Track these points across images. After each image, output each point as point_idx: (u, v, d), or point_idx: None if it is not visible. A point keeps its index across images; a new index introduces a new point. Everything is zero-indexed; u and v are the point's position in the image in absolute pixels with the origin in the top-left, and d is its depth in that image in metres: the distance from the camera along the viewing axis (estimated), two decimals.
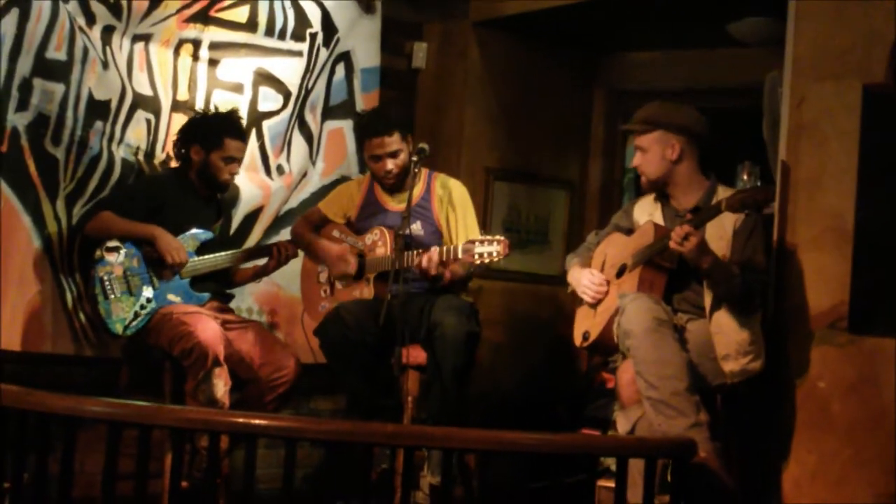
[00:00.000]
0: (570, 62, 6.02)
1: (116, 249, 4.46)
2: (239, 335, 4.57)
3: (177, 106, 4.95)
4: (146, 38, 4.85)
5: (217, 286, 4.70)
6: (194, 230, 4.59)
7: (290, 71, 5.26)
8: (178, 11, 4.91)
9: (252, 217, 5.18)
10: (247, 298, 5.12)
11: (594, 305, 4.17)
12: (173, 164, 4.75)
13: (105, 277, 4.42)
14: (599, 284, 4.14)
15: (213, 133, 4.60)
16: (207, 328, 4.34)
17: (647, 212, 4.17)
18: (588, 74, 6.12)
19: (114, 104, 4.76)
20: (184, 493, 4.10)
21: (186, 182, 4.65)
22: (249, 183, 5.15)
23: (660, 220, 4.08)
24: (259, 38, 5.15)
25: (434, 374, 4.31)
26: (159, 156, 4.89)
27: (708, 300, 3.88)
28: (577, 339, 4.22)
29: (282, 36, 5.21)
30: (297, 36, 5.26)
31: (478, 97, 5.75)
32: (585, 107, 6.14)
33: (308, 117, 5.36)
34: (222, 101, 4.93)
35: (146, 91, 4.88)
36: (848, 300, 3.80)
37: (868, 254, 3.81)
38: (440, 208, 4.61)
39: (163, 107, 4.92)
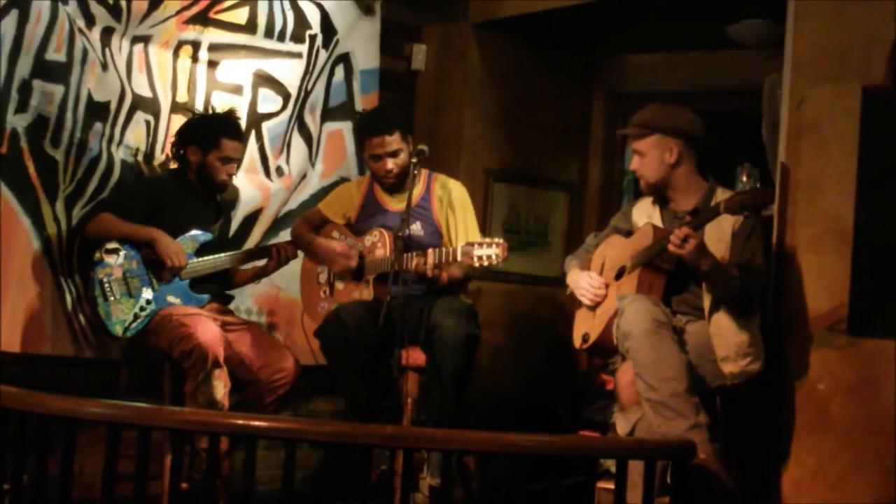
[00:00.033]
0: (569, 64, 6.02)
1: (116, 251, 4.46)
2: (239, 337, 4.57)
3: (176, 107, 4.95)
4: (146, 39, 4.86)
5: (217, 287, 4.70)
6: (194, 232, 4.59)
7: (289, 72, 5.26)
8: (178, 13, 4.91)
9: (251, 218, 5.18)
10: (246, 300, 5.12)
11: (593, 307, 4.17)
12: (173, 165, 4.75)
13: (104, 279, 4.42)
14: (598, 287, 4.14)
15: (210, 134, 4.60)
16: (207, 330, 4.34)
17: (645, 214, 4.17)
18: (587, 76, 6.13)
19: (113, 106, 4.76)
20: (183, 494, 4.10)
21: (185, 183, 4.65)
22: (249, 184, 5.15)
23: (658, 221, 4.08)
24: (258, 40, 5.15)
25: (433, 375, 4.31)
26: (159, 157, 4.89)
27: (707, 302, 3.88)
28: (577, 341, 4.22)
29: (281, 37, 5.21)
30: (297, 37, 5.26)
31: (477, 99, 5.75)
32: (585, 108, 6.14)
33: (307, 119, 5.37)
34: (222, 103, 4.93)
35: (146, 92, 4.88)
36: (847, 302, 3.80)
37: (867, 256, 3.81)
38: (440, 209, 4.61)
39: (162, 108, 4.92)
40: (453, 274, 4.51)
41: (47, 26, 4.51)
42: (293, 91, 5.27)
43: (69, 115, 4.61)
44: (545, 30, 5.68)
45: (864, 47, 3.87)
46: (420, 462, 4.80)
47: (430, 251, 4.32)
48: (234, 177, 4.74)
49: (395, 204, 4.61)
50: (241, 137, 4.73)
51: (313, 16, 5.32)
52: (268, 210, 5.22)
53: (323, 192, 5.25)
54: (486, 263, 4.19)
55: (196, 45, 5.00)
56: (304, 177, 5.36)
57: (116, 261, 4.45)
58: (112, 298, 4.42)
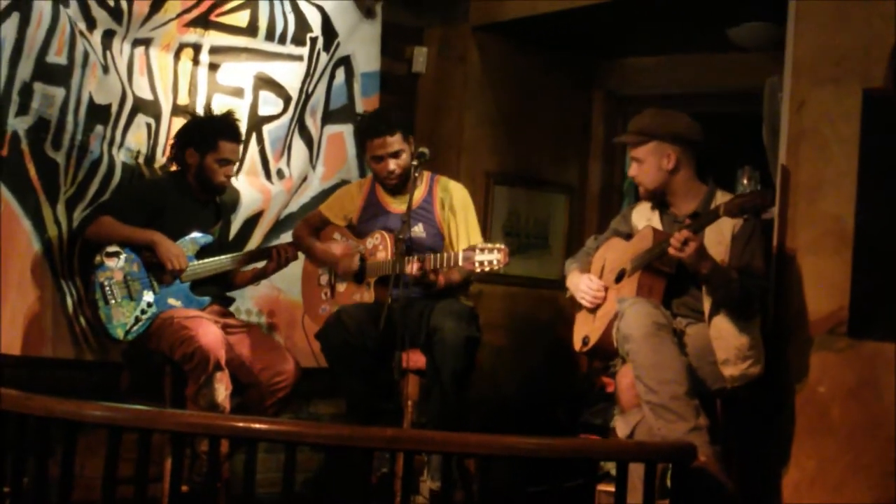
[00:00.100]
0: (569, 66, 6.03)
1: (116, 254, 4.46)
2: (239, 339, 4.57)
3: (177, 110, 4.95)
4: (146, 42, 4.86)
5: (217, 290, 4.71)
6: (194, 234, 4.59)
7: (290, 75, 5.26)
8: (179, 16, 4.91)
9: (252, 221, 5.18)
10: (247, 302, 5.12)
11: (593, 310, 4.17)
12: (173, 168, 4.75)
13: (105, 282, 4.42)
14: (597, 290, 4.14)
15: (208, 135, 4.61)
16: (209, 332, 4.34)
17: (645, 217, 4.17)
18: (587, 79, 6.13)
19: (114, 108, 4.76)
20: (184, 497, 4.10)
21: (184, 186, 4.65)
22: (250, 187, 5.16)
23: (658, 224, 4.08)
24: (259, 43, 5.16)
25: (433, 378, 4.31)
26: (160, 160, 4.90)
27: (707, 305, 3.88)
28: (577, 344, 4.22)
29: (282, 40, 5.21)
30: (298, 40, 5.26)
31: (478, 101, 5.76)
32: (585, 111, 6.14)
33: (308, 121, 5.37)
34: (223, 106, 4.93)
35: (146, 95, 4.88)
36: (848, 305, 3.80)
37: (868, 258, 3.81)
38: (442, 211, 4.61)
39: (163, 111, 4.92)
40: (452, 278, 4.51)
41: (48, 29, 4.52)
42: (294, 94, 5.27)
43: (70, 117, 4.62)
44: (545, 32, 5.68)
45: (865, 49, 3.87)
46: (420, 465, 4.80)
47: (427, 256, 4.32)
48: (232, 178, 4.74)
49: (397, 206, 4.61)
50: (239, 139, 4.73)
51: (314, 18, 5.32)
52: (268, 213, 5.23)
53: (324, 195, 5.25)
54: (487, 269, 4.19)
55: (197, 48, 5.00)
56: (304, 179, 5.36)
57: (117, 264, 4.45)
58: (113, 302, 4.42)
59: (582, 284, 4.20)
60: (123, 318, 4.42)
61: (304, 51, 5.28)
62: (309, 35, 5.30)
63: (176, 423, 3.28)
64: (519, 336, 5.80)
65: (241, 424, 3.26)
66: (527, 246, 5.90)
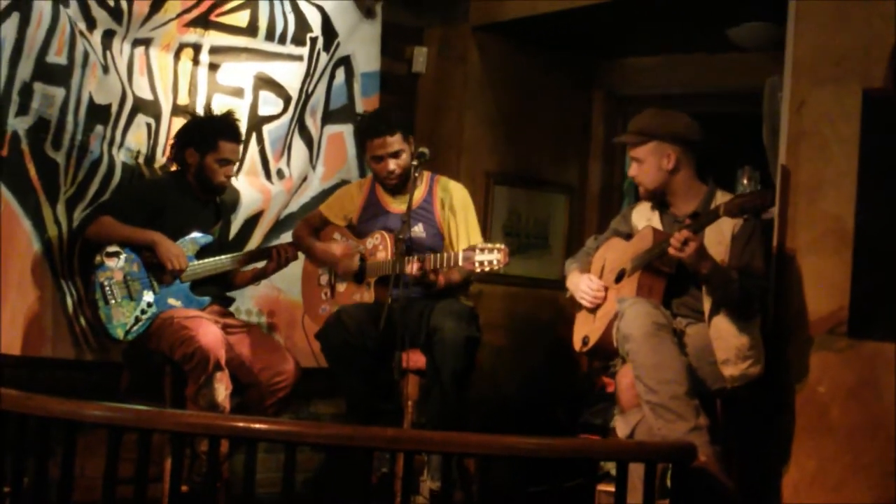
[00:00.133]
0: (569, 66, 6.03)
1: (116, 255, 4.46)
2: (240, 339, 4.57)
3: (177, 110, 4.95)
4: (146, 42, 4.86)
5: (217, 290, 4.71)
6: (194, 234, 4.60)
7: (290, 75, 5.26)
8: (179, 16, 4.91)
9: (252, 221, 5.18)
10: (247, 302, 5.12)
11: (593, 310, 4.17)
12: (173, 168, 4.75)
13: (105, 283, 4.42)
14: (597, 290, 4.14)
15: (208, 135, 4.61)
16: (209, 332, 4.34)
17: (645, 217, 4.17)
18: (587, 78, 6.13)
19: (114, 108, 4.76)
20: (184, 497, 4.10)
21: (184, 186, 4.65)
22: (250, 187, 5.16)
23: (658, 224, 4.08)
24: (259, 43, 5.16)
25: (433, 378, 4.31)
26: (160, 160, 4.90)
27: (707, 305, 3.88)
28: (577, 344, 4.22)
29: (282, 40, 5.21)
30: (298, 40, 5.26)
31: (478, 101, 5.76)
32: (585, 111, 6.14)
33: (308, 121, 5.37)
34: (223, 106, 4.93)
35: (146, 95, 4.88)
36: (848, 305, 3.80)
37: (868, 258, 3.81)
38: (442, 211, 4.62)
39: (163, 111, 4.92)
40: (452, 278, 4.51)
41: (48, 29, 4.52)
42: (294, 94, 5.27)
43: (70, 117, 4.62)
44: (545, 32, 5.68)
45: (865, 49, 3.87)
46: (420, 465, 4.80)
47: (427, 256, 4.33)
48: (232, 179, 4.74)
49: (397, 206, 4.61)
50: (239, 139, 4.73)
51: (314, 18, 5.32)
52: (269, 213, 5.23)
53: (324, 195, 5.25)
54: (487, 269, 4.19)
55: (197, 48, 5.00)
56: (304, 179, 5.36)
57: (117, 264, 4.46)
58: (113, 302, 4.42)
59: (582, 284, 4.20)
60: (123, 318, 4.42)
61: (304, 51, 5.28)
62: (309, 35, 5.30)
63: (176, 424, 3.28)
64: (519, 336, 5.80)
65: (241, 424, 3.26)
66: (527, 246, 5.90)
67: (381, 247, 4.55)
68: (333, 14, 5.38)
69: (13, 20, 4.41)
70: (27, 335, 4.51)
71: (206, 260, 4.62)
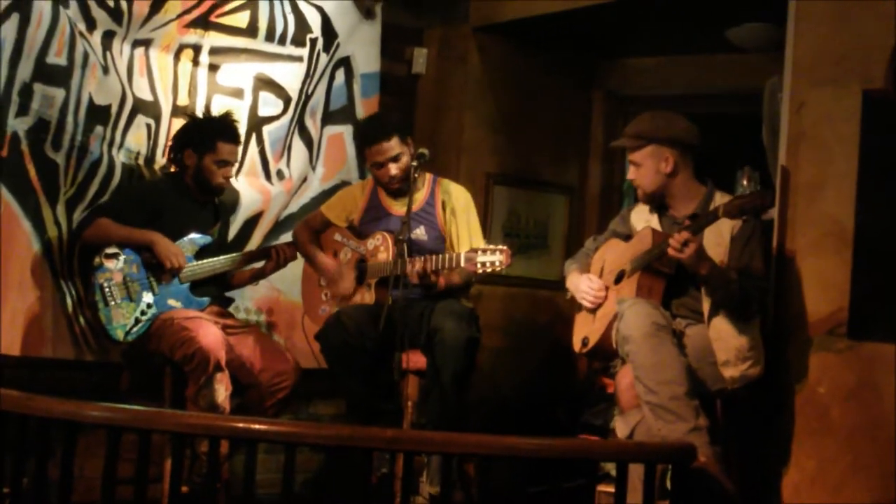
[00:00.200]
0: (569, 67, 6.03)
1: (115, 256, 4.46)
2: (240, 340, 4.57)
3: (177, 111, 4.95)
4: (146, 43, 4.86)
5: (217, 290, 4.71)
6: (192, 235, 4.60)
7: (290, 76, 5.26)
8: (179, 17, 4.92)
9: (252, 222, 5.18)
10: (247, 303, 5.12)
11: (593, 311, 4.17)
12: (173, 168, 4.75)
13: (105, 284, 4.42)
14: (598, 290, 4.14)
15: (206, 137, 4.61)
16: (209, 333, 4.34)
17: (644, 218, 4.17)
18: (587, 79, 6.13)
19: (114, 109, 4.76)
20: (184, 497, 4.10)
21: (182, 187, 4.65)
22: (249, 188, 5.16)
23: (657, 226, 4.08)
24: (259, 44, 5.16)
25: (433, 379, 4.31)
26: (159, 161, 4.90)
27: (706, 306, 3.88)
28: (577, 345, 4.22)
29: (282, 41, 5.21)
30: (298, 41, 5.26)
31: (477, 102, 5.76)
32: (585, 111, 6.14)
33: (308, 122, 5.37)
34: (223, 106, 4.93)
35: (146, 96, 4.88)
36: (847, 306, 3.81)
37: (868, 259, 3.81)
38: (443, 214, 4.61)
39: (163, 112, 4.92)
40: (452, 280, 4.51)
41: (48, 30, 4.52)
42: (294, 94, 5.27)
43: (70, 118, 4.62)
44: (545, 33, 5.68)
45: (864, 50, 3.87)
46: (420, 466, 4.80)
47: (426, 257, 4.33)
48: (230, 180, 4.74)
49: (399, 208, 4.60)
50: (238, 140, 4.73)
51: (314, 19, 5.32)
52: (268, 213, 5.23)
53: (323, 196, 5.26)
54: (489, 269, 4.19)
55: (197, 49, 5.00)
56: (304, 180, 5.36)
57: (116, 265, 4.46)
58: (113, 303, 4.42)
59: (582, 285, 4.20)
60: (123, 320, 4.42)
61: (304, 52, 5.28)
62: (309, 36, 5.30)
63: (176, 424, 3.28)
64: (518, 337, 5.80)
65: (240, 425, 3.26)
66: (526, 246, 5.91)
67: (382, 248, 4.55)
68: (333, 15, 5.38)
69: (13, 21, 4.40)
70: (27, 336, 4.51)
71: (205, 260, 4.62)
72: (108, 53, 4.73)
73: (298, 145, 5.34)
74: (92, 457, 3.98)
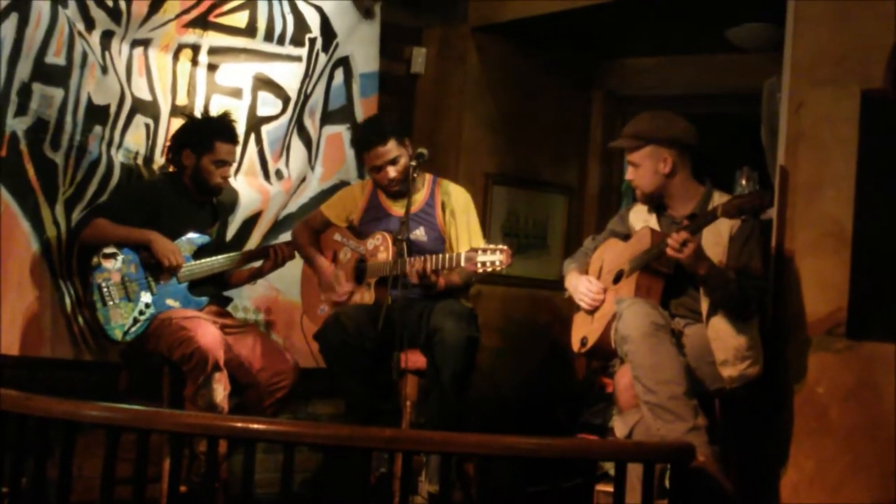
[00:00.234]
0: (568, 67, 6.03)
1: (113, 256, 4.46)
2: (238, 339, 4.57)
3: (176, 111, 4.95)
4: (145, 43, 4.86)
5: (215, 290, 4.71)
6: (190, 234, 4.60)
7: (289, 76, 5.26)
8: (178, 16, 4.91)
9: (251, 222, 5.18)
10: (245, 302, 5.12)
11: (592, 311, 4.17)
12: (171, 168, 4.75)
13: (103, 284, 4.42)
14: (597, 292, 4.14)
15: (204, 137, 4.61)
16: (207, 333, 4.34)
17: (642, 218, 4.18)
18: (587, 79, 6.13)
19: (113, 109, 4.76)
20: (182, 497, 4.09)
21: (181, 187, 4.65)
22: (248, 188, 5.15)
23: (656, 226, 4.08)
24: (258, 44, 5.15)
25: (433, 378, 4.31)
26: (158, 161, 4.89)
27: (705, 306, 3.88)
28: (576, 345, 4.22)
29: (281, 41, 5.21)
30: (297, 41, 5.26)
31: (477, 102, 5.76)
32: (584, 112, 6.14)
33: (307, 122, 5.36)
34: (221, 106, 4.93)
35: (145, 96, 4.88)
36: (846, 306, 3.81)
37: (866, 259, 3.81)
38: (443, 215, 4.61)
39: (162, 112, 4.92)
40: (452, 280, 4.51)
41: (47, 30, 4.51)
42: (293, 94, 5.27)
43: (69, 118, 4.62)
44: (544, 33, 5.68)
45: (864, 50, 3.87)
46: (419, 465, 4.80)
47: (426, 257, 4.33)
48: (228, 179, 4.73)
49: (399, 208, 4.59)
50: (236, 140, 4.72)
51: (313, 19, 5.32)
52: (267, 213, 5.22)
53: (322, 196, 5.26)
54: (490, 269, 4.19)
55: (196, 49, 5.00)
56: (303, 180, 5.36)
57: (114, 265, 4.45)
58: (111, 303, 4.42)
59: (581, 286, 4.20)
60: (121, 320, 4.42)
61: (303, 51, 5.28)
62: (308, 36, 5.30)
63: (174, 424, 3.28)
64: (518, 336, 5.80)
65: (239, 425, 3.26)
66: (525, 246, 5.91)
67: (381, 247, 4.55)
68: (332, 15, 5.38)
69: (12, 20, 4.40)
70: (26, 335, 4.51)
71: (204, 260, 4.62)
72: (106, 53, 4.73)
73: (297, 145, 5.34)
74: (91, 456, 3.98)
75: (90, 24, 4.68)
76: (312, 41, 5.31)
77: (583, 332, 4.18)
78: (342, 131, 5.48)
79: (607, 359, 4.18)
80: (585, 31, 5.65)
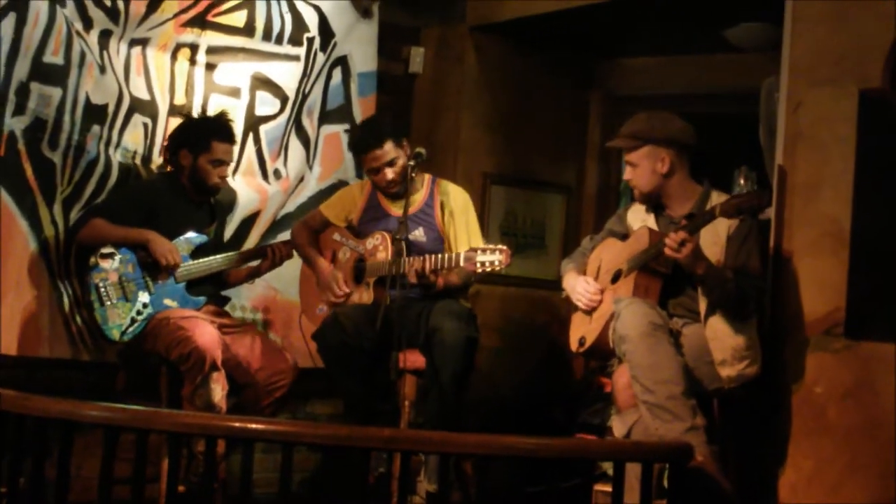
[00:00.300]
0: (566, 67, 6.02)
1: (111, 256, 4.45)
2: (236, 339, 4.57)
3: (174, 110, 4.94)
4: (143, 42, 4.86)
5: (213, 289, 4.70)
6: (188, 234, 4.59)
7: (287, 75, 5.25)
8: (176, 16, 4.91)
9: (249, 221, 5.18)
10: (244, 302, 5.12)
11: (589, 311, 4.17)
12: (169, 169, 4.75)
13: (100, 284, 4.41)
14: (594, 293, 4.14)
15: (201, 137, 4.61)
16: (205, 333, 4.34)
17: (640, 218, 4.17)
18: (585, 79, 6.13)
19: (111, 108, 4.76)
20: (181, 497, 4.10)
21: (178, 187, 4.64)
22: (246, 187, 5.15)
23: (654, 225, 4.08)
24: (256, 43, 5.15)
25: (432, 378, 4.31)
26: (156, 160, 4.89)
27: (703, 306, 3.88)
28: (574, 345, 4.22)
29: (279, 40, 5.21)
30: (295, 40, 5.25)
31: (475, 102, 5.76)
32: (582, 111, 6.14)
33: (305, 122, 5.36)
34: (219, 106, 4.93)
35: (143, 95, 4.88)
36: (844, 305, 3.81)
37: (865, 259, 3.81)
38: (442, 215, 4.61)
39: (160, 111, 4.92)
40: (451, 280, 4.51)
41: (45, 29, 4.51)
42: (291, 94, 5.27)
43: (67, 117, 4.61)
44: (543, 33, 5.68)
45: (862, 50, 3.87)
46: (417, 465, 4.80)
47: (425, 257, 4.33)
48: (226, 179, 4.73)
49: (398, 209, 4.58)
50: (233, 140, 4.72)
51: (311, 19, 5.31)
52: (265, 213, 5.22)
53: (320, 195, 5.25)
54: (489, 269, 4.19)
55: (194, 48, 5.00)
56: (301, 180, 5.36)
57: (112, 265, 4.45)
58: (108, 303, 4.41)
59: (578, 286, 4.19)
60: (119, 320, 4.42)
61: (301, 51, 5.28)
62: (306, 35, 5.29)
63: (173, 424, 3.27)
64: (516, 336, 5.80)
65: (237, 425, 3.26)
66: (524, 246, 5.90)
67: (381, 247, 4.55)
68: (330, 14, 5.37)
69: (10, 20, 4.40)
70: (24, 335, 4.51)
71: (201, 260, 4.61)
72: (104, 53, 4.73)
73: (295, 145, 5.33)
74: (89, 456, 3.98)
75: (88, 23, 4.67)
76: (310, 41, 5.31)
77: (581, 331, 4.18)
78: (340, 131, 5.47)
79: (605, 358, 4.18)
80: (584, 30, 5.65)
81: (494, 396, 5.53)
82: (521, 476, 4.36)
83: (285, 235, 5.02)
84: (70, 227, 4.62)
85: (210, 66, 5.04)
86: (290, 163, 5.31)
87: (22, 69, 4.46)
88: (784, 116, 4.06)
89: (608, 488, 3.53)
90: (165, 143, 4.75)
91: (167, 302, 4.51)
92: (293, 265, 4.88)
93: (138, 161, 4.86)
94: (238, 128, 4.94)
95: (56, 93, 4.58)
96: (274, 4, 5.18)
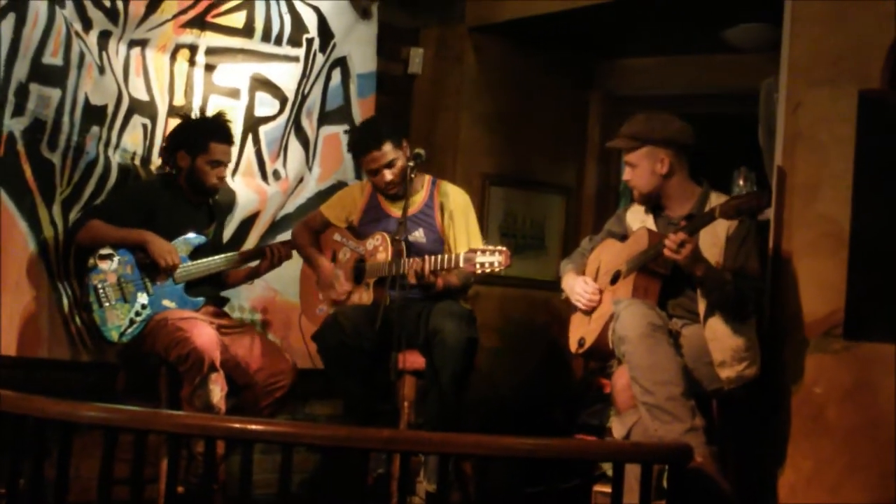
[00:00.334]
0: (566, 67, 6.02)
1: (109, 257, 4.45)
2: (235, 340, 4.57)
3: (173, 111, 4.94)
4: (143, 43, 4.85)
5: (211, 290, 4.70)
6: (187, 235, 4.59)
7: (286, 76, 5.25)
8: (175, 17, 4.91)
9: (248, 222, 5.18)
10: (243, 302, 5.12)
11: (589, 312, 4.17)
12: (167, 170, 4.75)
13: (99, 285, 4.41)
14: (593, 293, 4.14)
15: (199, 137, 4.60)
16: (203, 334, 4.33)
17: (639, 218, 4.18)
18: (584, 79, 6.13)
19: (110, 109, 4.76)
20: (180, 498, 4.10)
21: (176, 188, 4.64)
22: (245, 188, 5.15)
23: (653, 226, 4.08)
24: (256, 44, 5.15)
25: (432, 379, 4.31)
26: (155, 161, 4.89)
27: (702, 307, 3.88)
28: (573, 346, 4.22)
29: (278, 41, 5.21)
30: (294, 41, 5.25)
31: (474, 102, 5.76)
32: (581, 112, 6.14)
33: (304, 122, 5.36)
34: (219, 107, 4.93)
35: (142, 96, 4.88)
36: (844, 306, 3.80)
37: (864, 260, 3.81)
38: (442, 216, 4.61)
39: (159, 112, 4.92)
40: (450, 281, 4.51)
41: (44, 30, 4.51)
42: (290, 95, 5.27)
43: (66, 118, 4.61)
44: (542, 33, 5.68)
45: (861, 51, 3.87)
46: (417, 466, 4.80)
47: (425, 257, 4.32)
48: (224, 180, 4.73)
49: (398, 210, 4.58)
50: (231, 141, 4.72)
51: (310, 19, 5.31)
52: (264, 214, 5.22)
53: (320, 196, 5.25)
54: (488, 270, 4.19)
55: (193, 49, 5.00)
56: (300, 180, 5.36)
57: (110, 266, 4.45)
58: (107, 304, 4.41)
59: (577, 287, 4.19)
60: (118, 321, 4.42)
61: (301, 52, 5.28)
62: (305, 36, 5.29)
63: (172, 425, 3.27)
64: (515, 337, 5.80)
65: (237, 425, 3.26)
66: (523, 247, 5.90)
67: (381, 248, 4.55)
68: (330, 15, 5.37)
69: (9, 21, 4.40)
70: (23, 336, 4.50)
71: (200, 260, 4.61)
72: (104, 53, 4.73)
73: (295, 145, 5.33)
74: (88, 457, 3.98)
75: (87, 24, 4.67)
76: (310, 41, 5.31)
77: (580, 332, 4.18)
78: (339, 132, 5.47)
79: (605, 359, 4.18)
80: (583, 31, 5.65)
81: (494, 397, 5.54)
82: (521, 477, 4.36)
83: (284, 236, 5.02)
84: (69, 228, 4.62)
85: (209, 67, 5.04)
86: (289, 164, 5.31)
87: (21, 70, 4.46)
88: (783, 117, 4.06)
89: (608, 489, 3.53)
90: (163, 145, 4.74)
91: (166, 303, 4.51)
92: (293, 266, 4.88)
93: (137, 162, 4.86)
94: (237, 129, 4.94)
95: (55, 94, 4.58)
96: (273, 5, 5.18)
